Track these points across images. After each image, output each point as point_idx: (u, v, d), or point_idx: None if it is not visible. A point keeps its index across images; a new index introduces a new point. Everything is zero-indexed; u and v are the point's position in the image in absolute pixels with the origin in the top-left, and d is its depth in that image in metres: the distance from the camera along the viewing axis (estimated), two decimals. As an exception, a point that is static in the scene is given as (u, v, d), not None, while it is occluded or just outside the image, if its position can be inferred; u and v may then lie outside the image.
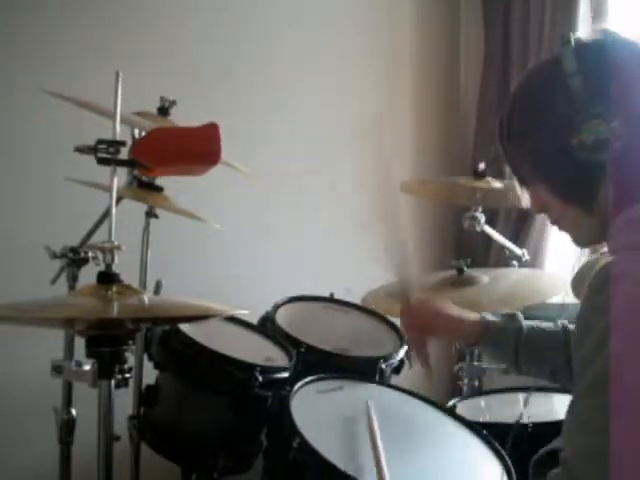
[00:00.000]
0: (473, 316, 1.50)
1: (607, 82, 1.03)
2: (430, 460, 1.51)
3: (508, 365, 1.49)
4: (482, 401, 2.04)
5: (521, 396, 1.98)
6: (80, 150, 1.37)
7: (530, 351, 1.45)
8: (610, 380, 0.91)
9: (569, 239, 1.21)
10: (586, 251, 2.62)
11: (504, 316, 1.48)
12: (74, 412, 1.69)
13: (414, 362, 1.61)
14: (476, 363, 2.22)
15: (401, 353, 2.03)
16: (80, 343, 1.36)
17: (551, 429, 1.63)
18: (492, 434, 1.61)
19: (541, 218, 3.08)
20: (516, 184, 1.21)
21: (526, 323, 1.47)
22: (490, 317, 1.48)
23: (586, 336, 0.98)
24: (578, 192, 1.09)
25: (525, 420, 1.70)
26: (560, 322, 1.47)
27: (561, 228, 1.18)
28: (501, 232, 2.54)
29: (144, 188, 1.76)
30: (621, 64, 1.05)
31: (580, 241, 1.19)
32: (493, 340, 1.47)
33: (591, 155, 1.04)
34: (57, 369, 1.48)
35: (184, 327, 1.80)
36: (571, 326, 1.43)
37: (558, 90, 1.08)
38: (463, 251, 3.08)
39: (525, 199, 1.22)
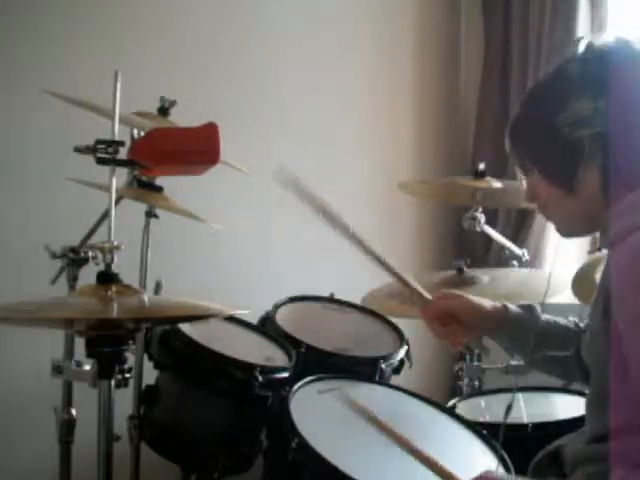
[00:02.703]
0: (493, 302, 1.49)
1: (604, 71, 1.10)
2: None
3: (522, 355, 1.49)
4: (482, 401, 2.04)
5: (521, 396, 1.98)
6: (79, 150, 1.37)
7: (544, 343, 1.43)
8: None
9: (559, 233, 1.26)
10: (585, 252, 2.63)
11: (522, 307, 1.47)
12: (74, 412, 1.69)
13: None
14: (476, 363, 2.22)
15: (401, 353, 2.03)
16: (80, 343, 1.36)
17: (551, 429, 1.63)
18: (492, 434, 1.61)
19: (541, 218, 3.08)
20: (519, 178, 1.29)
21: (543, 316, 1.46)
22: (510, 305, 1.47)
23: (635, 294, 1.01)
24: (560, 170, 1.15)
25: (525, 420, 1.70)
26: (571, 319, 1.47)
27: (547, 215, 1.23)
28: (501, 232, 2.54)
29: (144, 188, 1.75)
30: (623, 64, 1.11)
31: (564, 229, 1.23)
32: (511, 327, 1.44)
33: (572, 131, 1.10)
34: (57, 369, 1.48)
35: (184, 327, 1.80)
36: (582, 324, 1.43)
37: (557, 75, 1.18)
38: (463, 251, 3.08)
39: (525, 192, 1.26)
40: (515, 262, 2.34)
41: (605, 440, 1.07)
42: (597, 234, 1.23)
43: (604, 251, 1.22)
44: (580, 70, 1.14)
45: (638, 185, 1.10)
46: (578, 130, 1.10)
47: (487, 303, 1.44)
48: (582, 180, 1.13)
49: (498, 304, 1.45)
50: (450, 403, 1.91)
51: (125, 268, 1.37)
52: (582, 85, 1.12)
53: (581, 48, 1.16)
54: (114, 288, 1.31)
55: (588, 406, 1.24)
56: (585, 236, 1.28)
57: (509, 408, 1.30)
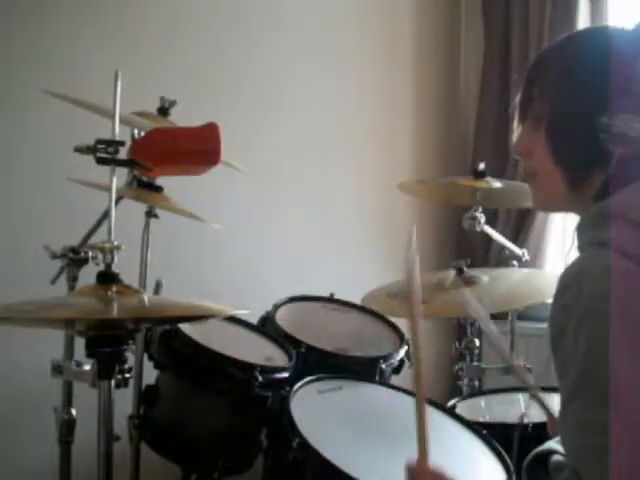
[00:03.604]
0: None
1: None
2: (430, 460, 1.51)
3: None
4: (482, 401, 2.04)
5: (522, 396, 1.98)
6: (79, 150, 1.37)
7: None
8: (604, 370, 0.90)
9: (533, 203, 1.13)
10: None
11: None
12: (74, 412, 1.69)
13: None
14: (476, 363, 2.22)
15: (401, 353, 2.03)
16: (80, 343, 1.36)
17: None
18: (492, 434, 1.61)
19: (541, 218, 3.08)
20: (515, 116, 1.13)
21: None
22: None
23: (561, 337, 0.97)
24: (575, 166, 1.03)
25: (525, 420, 1.70)
26: None
27: (532, 183, 1.10)
28: (501, 232, 2.54)
29: (144, 188, 1.75)
30: None
31: (543, 204, 1.13)
32: None
33: (608, 142, 0.99)
34: (57, 369, 1.48)
35: (184, 327, 1.80)
36: None
37: (622, 62, 1.00)
38: (463, 251, 3.08)
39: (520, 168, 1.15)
40: (515, 262, 2.34)
41: None
42: None
43: None
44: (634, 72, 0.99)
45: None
46: (614, 145, 0.99)
47: None
48: (590, 183, 1.03)
49: None
50: (450, 403, 1.91)
51: (125, 268, 1.37)
52: (632, 95, 0.98)
53: None
54: (114, 288, 1.31)
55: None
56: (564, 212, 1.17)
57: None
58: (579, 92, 1.02)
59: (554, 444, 1.14)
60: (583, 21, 3.00)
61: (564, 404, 0.97)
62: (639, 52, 1.00)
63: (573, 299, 0.95)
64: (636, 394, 0.90)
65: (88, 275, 1.49)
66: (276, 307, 2.10)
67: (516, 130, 1.12)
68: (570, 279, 0.97)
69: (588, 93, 1.01)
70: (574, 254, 1.04)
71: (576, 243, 1.04)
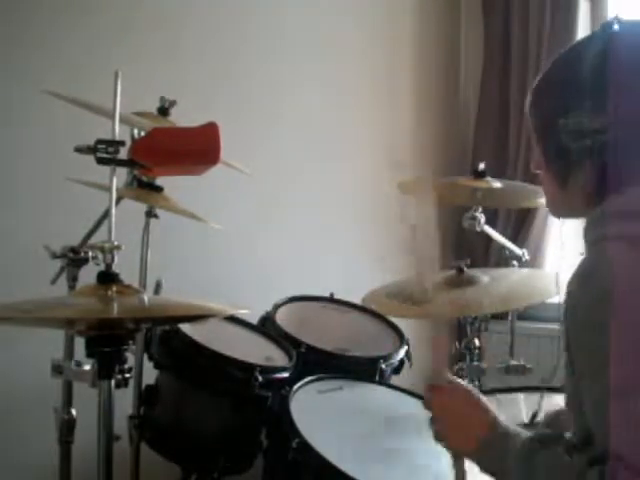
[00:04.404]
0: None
1: (609, 76, 1.07)
2: (430, 459, 1.51)
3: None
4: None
5: (522, 395, 1.98)
6: (79, 150, 1.37)
7: None
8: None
9: (568, 236, 1.24)
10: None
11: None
12: (74, 412, 1.69)
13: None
14: (476, 363, 2.22)
15: (401, 353, 2.03)
16: (80, 343, 1.36)
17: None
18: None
19: (541, 218, 3.08)
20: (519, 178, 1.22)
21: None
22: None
23: (588, 329, 1.00)
24: (556, 165, 1.14)
25: (525, 420, 1.70)
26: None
27: (543, 190, 1.22)
28: (501, 232, 2.54)
29: (144, 188, 1.76)
30: (624, 62, 1.08)
31: (551, 208, 1.23)
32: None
33: (569, 140, 1.09)
34: (57, 369, 1.48)
35: (184, 327, 1.81)
36: None
37: (573, 67, 1.12)
38: (463, 251, 3.08)
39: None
40: (515, 262, 2.34)
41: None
42: None
43: None
44: (592, 72, 1.08)
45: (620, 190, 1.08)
46: (574, 141, 1.09)
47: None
48: (574, 180, 1.12)
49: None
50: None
51: (125, 268, 1.37)
52: (588, 92, 1.08)
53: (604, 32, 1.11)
54: (114, 288, 1.31)
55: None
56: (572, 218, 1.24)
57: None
58: (548, 100, 1.16)
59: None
60: (583, 22, 3.00)
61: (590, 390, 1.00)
62: (596, 54, 1.10)
63: (585, 296, 1.00)
64: None
65: (88, 275, 1.49)
66: (276, 307, 2.10)
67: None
68: (579, 279, 1.02)
69: (552, 100, 1.15)
70: (572, 255, 1.08)
71: (583, 246, 1.10)
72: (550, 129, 1.12)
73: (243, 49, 2.65)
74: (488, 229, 2.29)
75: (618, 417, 0.95)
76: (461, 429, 1.16)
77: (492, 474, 1.12)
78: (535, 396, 1.94)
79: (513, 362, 2.18)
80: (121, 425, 1.68)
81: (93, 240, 1.70)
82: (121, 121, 1.42)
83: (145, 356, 1.88)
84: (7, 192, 2.13)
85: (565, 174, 1.13)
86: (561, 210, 1.20)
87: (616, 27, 1.11)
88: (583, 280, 1.02)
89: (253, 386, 1.72)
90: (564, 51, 1.18)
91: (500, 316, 2.31)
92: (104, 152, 1.34)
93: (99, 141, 1.34)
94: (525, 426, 1.35)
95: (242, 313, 1.71)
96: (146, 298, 1.38)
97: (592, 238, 1.08)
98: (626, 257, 1.00)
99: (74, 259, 1.67)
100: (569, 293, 1.03)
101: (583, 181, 1.11)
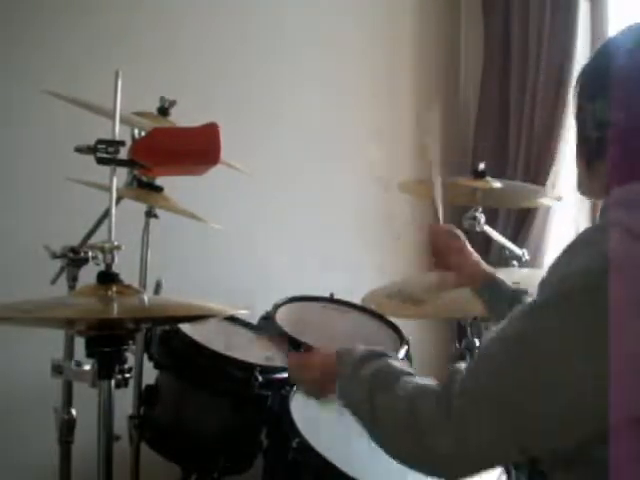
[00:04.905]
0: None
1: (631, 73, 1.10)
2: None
3: (500, 309, 1.60)
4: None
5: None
6: (80, 150, 1.37)
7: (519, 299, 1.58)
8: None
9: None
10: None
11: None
12: (74, 412, 1.69)
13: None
14: (476, 363, 2.22)
15: (401, 353, 2.03)
16: (80, 343, 1.36)
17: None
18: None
19: (541, 218, 3.08)
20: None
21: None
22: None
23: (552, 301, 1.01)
24: (582, 148, 1.18)
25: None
26: None
27: (576, 164, 1.25)
28: (501, 232, 2.54)
29: (144, 188, 1.76)
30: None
31: (577, 186, 1.25)
32: (493, 288, 1.68)
33: (592, 128, 1.13)
34: (57, 369, 1.48)
35: (184, 327, 1.81)
36: None
37: (606, 57, 1.16)
38: (463, 251, 3.07)
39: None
40: (515, 262, 2.34)
41: None
42: None
43: None
44: (617, 65, 1.12)
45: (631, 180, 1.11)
46: (592, 131, 1.13)
47: (480, 262, 1.74)
48: (597, 166, 1.15)
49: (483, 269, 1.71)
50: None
51: (125, 268, 1.37)
52: (609, 85, 1.11)
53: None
54: (114, 288, 1.31)
55: None
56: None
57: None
58: (581, 85, 1.19)
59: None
60: (583, 22, 2.99)
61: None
62: (627, 48, 1.12)
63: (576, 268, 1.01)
64: None
65: (88, 275, 1.49)
66: (276, 307, 2.10)
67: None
68: (578, 247, 1.05)
69: (583, 86, 1.18)
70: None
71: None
72: (579, 113, 1.16)
73: (243, 49, 2.65)
74: (488, 229, 2.29)
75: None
76: (319, 376, 1.28)
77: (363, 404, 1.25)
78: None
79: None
80: (121, 425, 1.68)
81: (93, 240, 1.71)
82: (121, 121, 1.42)
83: (145, 356, 1.88)
84: (7, 192, 2.13)
85: (589, 158, 1.16)
86: (585, 190, 1.23)
87: None
88: (582, 246, 1.04)
89: (253, 386, 1.72)
90: (608, 39, 1.22)
91: (500, 316, 2.31)
92: (104, 152, 1.34)
93: (99, 141, 1.34)
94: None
95: (242, 313, 1.71)
96: (146, 298, 1.38)
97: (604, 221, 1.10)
98: (620, 245, 1.00)
99: (74, 259, 1.67)
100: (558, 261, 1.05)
101: (603, 170, 1.14)
